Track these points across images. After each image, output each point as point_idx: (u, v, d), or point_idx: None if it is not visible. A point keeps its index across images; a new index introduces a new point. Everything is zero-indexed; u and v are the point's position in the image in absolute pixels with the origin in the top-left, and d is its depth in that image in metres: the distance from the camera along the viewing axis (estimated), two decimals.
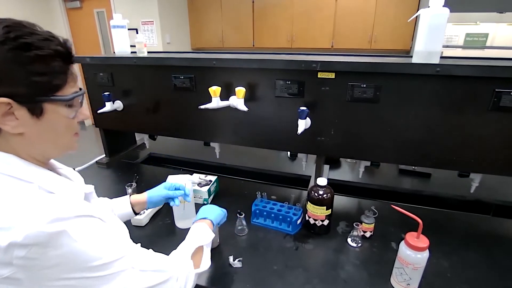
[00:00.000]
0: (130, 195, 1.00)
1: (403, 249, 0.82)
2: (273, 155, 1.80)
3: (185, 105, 1.35)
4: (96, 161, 1.70)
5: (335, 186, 1.13)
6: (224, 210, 0.97)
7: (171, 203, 1.00)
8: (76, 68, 0.62)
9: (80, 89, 0.60)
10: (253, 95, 1.21)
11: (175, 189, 1.02)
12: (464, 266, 0.95)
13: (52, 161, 0.71)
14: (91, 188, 0.71)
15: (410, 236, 0.81)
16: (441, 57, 1.02)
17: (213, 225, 0.88)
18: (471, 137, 1.03)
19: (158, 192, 1.01)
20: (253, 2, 4.32)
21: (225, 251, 1.00)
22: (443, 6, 0.94)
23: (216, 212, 0.93)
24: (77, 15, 4.84)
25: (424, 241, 0.80)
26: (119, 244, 0.57)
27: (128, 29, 1.52)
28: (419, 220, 0.79)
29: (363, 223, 1.05)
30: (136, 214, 1.00)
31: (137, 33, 4.16)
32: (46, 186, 0.54)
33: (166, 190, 1.00)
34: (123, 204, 0.97)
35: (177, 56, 1.35)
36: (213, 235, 0.85)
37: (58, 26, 4.93)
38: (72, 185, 0.63)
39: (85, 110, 0.62)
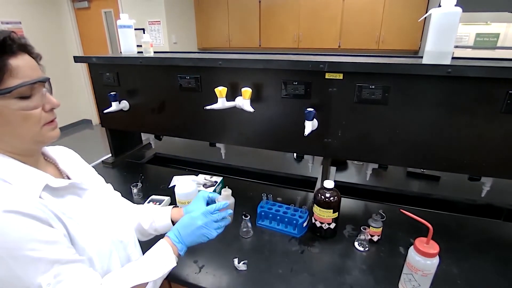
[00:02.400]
0: (172, 207, 0.90)
1: (412, 255, 0.79)
2: (279, 156, 1.78)
3: (191, 106, 1.35)
4: (102, 161, 1.71)
5: (342, 188, 1.11)
6: (212, 235, 0.76)
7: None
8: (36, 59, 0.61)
9: (48, 79, 0.59)
10: (259, 95, 1.20)
11: (212, 201, 0.85)
12: (475, 273, 0.93)
13: (53, 156, 0.71)
14: (64, 182, 0.63)
15: (420, 242, 0.79)
16: (452, 58, 0.99)
17: (183, 252, 0.73)
18: (482, 140, 1.00)
19: (198, 208, 0.80)
20: (259, 2, 4.31)
21: (230, 254, 0.99)
22: (455, 5, 0.91)
23: (195, 236, 0.74)
24: (85, 15, 4.89)
25: (434, 247, 0.77)
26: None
27: (135, 29, 1.52)
28: (429, 225, 0.77)
29: (370, 227, 1.03)
30: None
31: (144, 33, 4.19)
32: (3, 175, 0.55)
33: (207, 207, 0.79)
34: (163, 216, 0.87)
35: (183, 56, 1.34)
36: (171, 266, 0.69)
37: (67, 26, 4.98)
38: (37, 177, 0.60)
39: (51, 98, 0.60)
